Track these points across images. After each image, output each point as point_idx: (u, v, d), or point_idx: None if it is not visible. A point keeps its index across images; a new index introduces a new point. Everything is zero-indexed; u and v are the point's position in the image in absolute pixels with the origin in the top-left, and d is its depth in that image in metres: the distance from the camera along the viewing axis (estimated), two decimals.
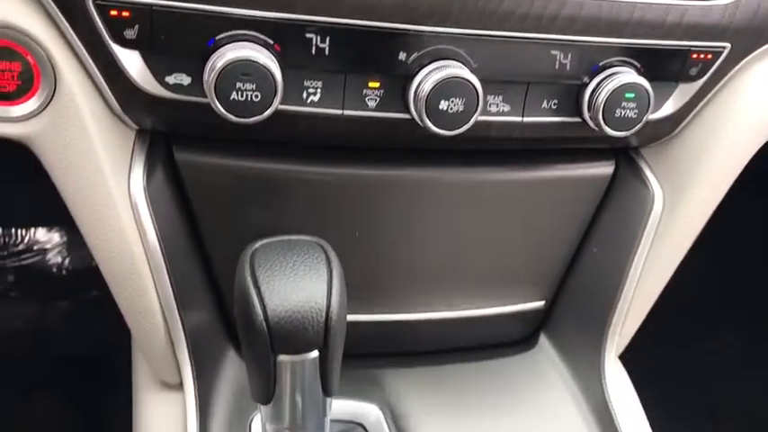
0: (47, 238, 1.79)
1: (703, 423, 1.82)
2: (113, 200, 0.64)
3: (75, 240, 1.81)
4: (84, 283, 1.78)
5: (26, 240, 1.78)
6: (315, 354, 0.56)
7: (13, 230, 1.79)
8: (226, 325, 0.76)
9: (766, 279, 1.87)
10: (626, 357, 0.87)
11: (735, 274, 1.90)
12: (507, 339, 0.86)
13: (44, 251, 1.78)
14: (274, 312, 0.53)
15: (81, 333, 1.69)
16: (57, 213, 1.85)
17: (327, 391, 0.59)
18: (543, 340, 0.86)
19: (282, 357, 0.55)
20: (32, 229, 1.80)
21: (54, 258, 1.79)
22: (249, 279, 0.54)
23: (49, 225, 1.79)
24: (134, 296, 0.67)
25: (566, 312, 0.85)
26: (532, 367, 0.84)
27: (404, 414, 0.76)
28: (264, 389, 0.57)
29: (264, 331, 0.53)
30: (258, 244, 0.57)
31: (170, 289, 0.68)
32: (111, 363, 1.64)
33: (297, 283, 0.54)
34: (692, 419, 1.78)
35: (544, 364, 0.85)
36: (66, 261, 1.79)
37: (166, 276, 0.67)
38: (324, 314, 0.54)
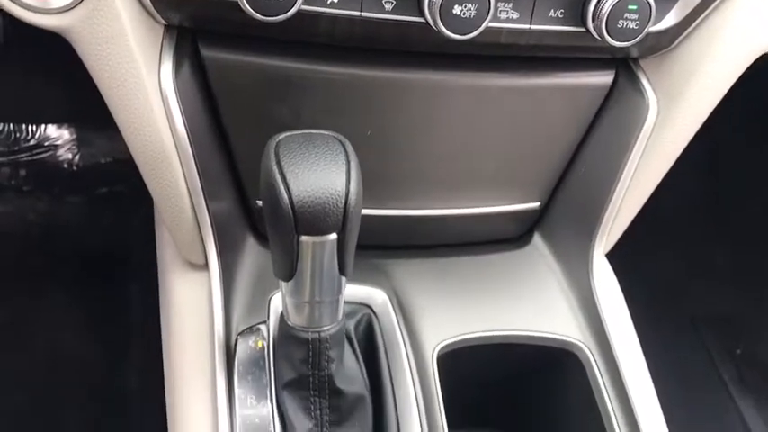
0: (57, 134, 1.83)
1: (685, 331, 1.92)
2: (146, 91, 0.68)
3: (85, 137, 1.85)
4: (95, 180, 1.83)
5: (37, 136, 1.82)
6: (333, 236, 0.62)
7: (24, 126, 1.82)
8: (246, 214, 0.82)
9: (757, 198, 1.93)
10: (613, 263, 0.93)
11: (727, 192, 1.96)
12: (504, 237, 0.92)
13: (55, 147, 1.82)
14: (298, 197, 0.59)
15: (93, 227, 1.76)
16: (67, 110, 1.88)
17: (343, 271, 0.65)
18: (537, 239, 0.93)
19: (304, 238, 0.61)
20: (43, 126, 1.83)
21: (65, 155, 1.83)
22: (275, 167, 0.60)
23: (60, 122, 1.83)
24: (164, 182, 0.73)
25: (559, 213, 0.91)
26: (526, 263, 0.91)
27: (408, 298, 0.83)
28: (287, 267, 0.64)
29: (289, 214, 0.59)
30: (282, 136, 0.62)
31: (197, 176, 0.73)
32: (122, 255, 1.72)
33: (319, 172, 0.60)
34: (675, 327, 1.88)
35: (537, 261, 0.91)
36: (77, 158, 1.83)
37: (194, 164, 0.72)
38: (343, 200, 0.60)
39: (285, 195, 0.59)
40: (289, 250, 0.62)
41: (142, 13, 0.68)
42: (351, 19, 0.68)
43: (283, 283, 0.67)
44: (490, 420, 1.01)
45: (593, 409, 0.82)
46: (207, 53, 0.72)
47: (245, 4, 0.62)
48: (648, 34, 0.73)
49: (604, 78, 0.83)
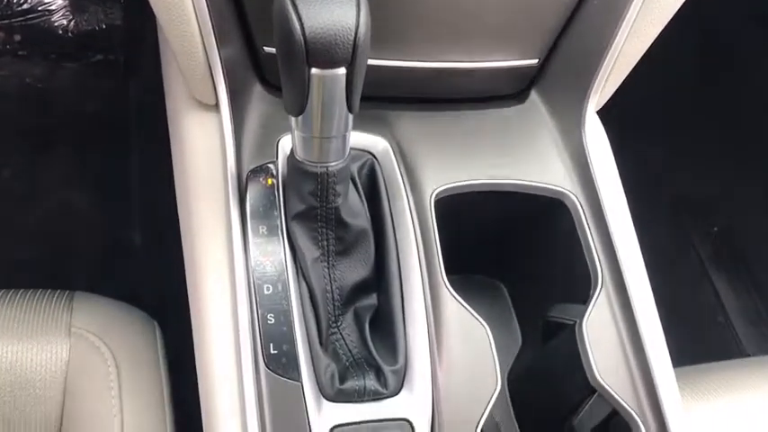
0: None
1: (665, 212, 1.99)
2: None
3: (78, 3, 1.82)
4: (90, 47, 1.82)
5: (30, 0, 1.79)
6: (343, 70, 0.65)
7: None
8: (254, 62, 0.85)
9: (748, 80, 1.95)
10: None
11: (719, 75, 1.98)
12: (502, 93, 0.96)
13: (49, 12, 1.80)
14: (311, 28, 0.61)
15: (90, 94, 1.77)
16: None
17: (351, 108, 0.69)
18: (534, 95, 0.96)
19: (315, 71, 0.64)
20: None
21: (59, 20, 1.81)
22: (288, 1, 0.62)
23: None
24: (178, 21, 0.75)
25: (556, 70, 0.93)
26: (523, 118, 0.94)
27: (408, 146, 0.87)
28: (298, 101, 0.67)
29: (301, 44, 0.61)
30: None
31: (208, 16, 0.75)
32: (120, 121, 1.74)
33: (330, 7, 0.62)
34: (655, 208, 1.95)
35: (533, 116, 0.95)
36: (71, 24, 1.82)
37: (206, 6, 0.74)
38: (353, 33, 0.62)
39: (298, 26, 0.61)
40: (300, 84, 0.65)
41: None
42: None
43: (293, 119, 0.70)
44: (480, 268, 1.08)
45: (579, 252, 0.88)
46: None
47: None
48: None
49: None
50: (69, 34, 1.81)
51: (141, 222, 1.61)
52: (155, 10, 0.75)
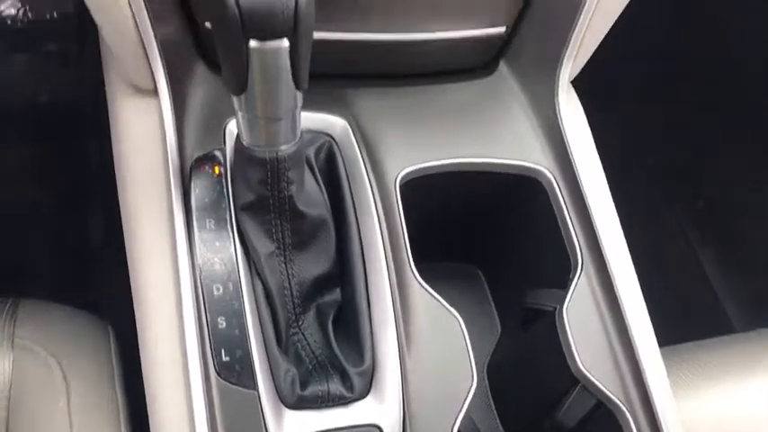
0: None
1: (646, 183, 1.94)
2: None
3: None
4: (41, 36, 1.74)
5: None
6: (285, 42, 0.58)
7: None
8: (196, 43, 0.77)
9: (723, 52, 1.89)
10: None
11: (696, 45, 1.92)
12: (469, 66, 0.89)
13: None
14: None
15: (42, 84, 1.69)
16: None
17: (298, 84, 0.62)
18: (503, 66, 0.89)
19: (254, 44, 0.57)
20: None
21: (8, 10, 1.73)
22: None
23: None
24: (108, 5, 0.68)
25: (524, 38, 0.87)
26: (491, 91, 0.88)
27: (369, 126, 0.80)
28: (238, 77, 0.60)
29: (235, 13, 0.55)
30: None
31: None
32: (73, 110, 1.66)
33: None
34: (635, 180, 1.90)
35: (502, 88, 0.88)
36: (20, 13, 1.73)
37: None
38: (293, 2, 0.56)
39: None
40: (239, 58, 0.58)
41: None
42: None
43: (236, 99, 0.63)
44: (455, 254, 1.02)
45: (557, 233, 0.82)
46: None
47: None
48: None
49: None
50: (19, 24, 1.73)
51: (102, 222, 1.53)
52: None
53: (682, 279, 1.84)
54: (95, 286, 1.42)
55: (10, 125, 1.62)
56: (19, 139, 1.61)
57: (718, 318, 1.74)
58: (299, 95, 0.64)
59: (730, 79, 1.86)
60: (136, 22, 0.70)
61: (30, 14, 1.74)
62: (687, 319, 1.68)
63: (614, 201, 0.85)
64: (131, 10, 0.69)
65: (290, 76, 0.61)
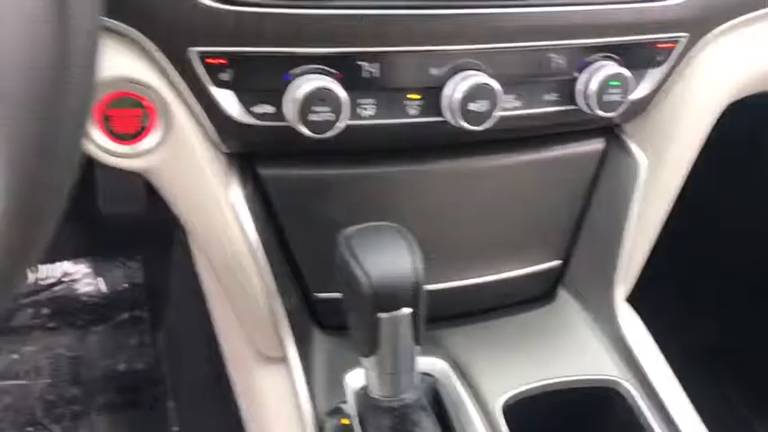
0: (74, 269, 1.91)
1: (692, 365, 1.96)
2: (222, 210, 0.79)
3: (100, 268, 1.93)
4: (115, 307, 1.90)
5: (55, 273, 1.89)
6: (408, 311, 0.71)
7: (40, 266, 1.90)
8: (309, 309, 0.91)
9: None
10: (634, 305, 1.03)
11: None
12: (532, 296, 1.03)
13: (73, 281, 1.89)
14: (377, 280, 0.68)
15: (119, 353, 1.82)
16: (80, 245, 1.95)
17: (417, 341, 0.74)
18: (562, 293, 1.03)
19: (383, 315, 0.71)
20: (58, 263, 1.91)
21: (83, 288, 1.90)
22: (350, 256, 0.70)
23: (76, 257, 1.91)
24: (241, 285, 0.82)
25: (579, 267, 1.01)
26: (555, 316, 1.01)
27: (462, 361, 0.91)
28: (370, 342, 0.73)
29: (369, 294, 0.68)
30: (350, 229, 0.73)
31: (272, 279, 0.82)
32: (152, 376, 1.77)
33: (389, 257, 0.70)
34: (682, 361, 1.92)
35: (565, 313, 1.01)
36: (95, 289, 1.91)
37: (267, 266, 0.82)
38: (414, 278, 0.70)
39: (365, 279, 0.68)
40: (370, 328, 0.71)
41: (210, 145, 0.79)
42: (383, 127, 0.80)
43: (365, 360, 0.75)
44: None
45: None
46: (263, 171, 0.83)
47: (302, 127, 0.74)
48: (629, 102, 0.86)
49: (596, 145, 0.96)
50: (95, 299, 1.90)
51: None
52: (219, 279, 0.82)
53: None
54: None
55: (93, 397, 1.72)
56: (103, 410, 1.69)
57: None
58: (417, 350, 0.76)
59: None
60: (270, 304, 0.84)
61: (103, 288, 1.91)
62: None
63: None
64: (264, 290, 0.83)
65: (411, 337, 0.73)
